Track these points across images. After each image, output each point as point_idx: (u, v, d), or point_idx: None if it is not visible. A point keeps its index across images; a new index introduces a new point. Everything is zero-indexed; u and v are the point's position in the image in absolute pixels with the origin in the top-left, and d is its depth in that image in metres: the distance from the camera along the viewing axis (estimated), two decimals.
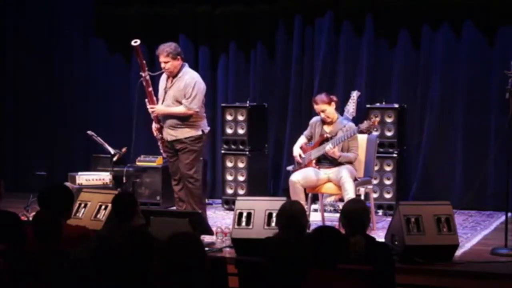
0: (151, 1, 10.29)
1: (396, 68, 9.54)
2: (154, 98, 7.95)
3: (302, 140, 8.12)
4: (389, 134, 8.97)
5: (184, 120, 7.85)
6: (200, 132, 7.90)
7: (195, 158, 7.88)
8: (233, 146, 9.44)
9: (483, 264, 6.50)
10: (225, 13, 10.04)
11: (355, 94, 8.41)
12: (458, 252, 6.76)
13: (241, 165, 9.39)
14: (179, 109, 7.83)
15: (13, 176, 10.51)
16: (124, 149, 8.69)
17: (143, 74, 7.89)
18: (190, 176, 7.84)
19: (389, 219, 7.79)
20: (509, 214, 6.94)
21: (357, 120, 8.14)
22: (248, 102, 9.51)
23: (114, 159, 8.63)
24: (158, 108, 7.91)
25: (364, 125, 7.78)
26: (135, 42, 7.81)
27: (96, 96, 10.66)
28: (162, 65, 7.83)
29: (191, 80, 7.84)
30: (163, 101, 7.93)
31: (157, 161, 9.42)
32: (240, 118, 9.40)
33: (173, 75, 7.85)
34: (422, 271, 6.31)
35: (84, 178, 8.71)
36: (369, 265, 4.69)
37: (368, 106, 9.05)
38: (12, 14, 10.78)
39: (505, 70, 6.96)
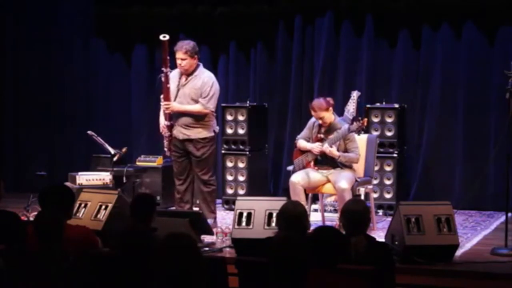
0: (151, 1, 10.29)
1: (396, 68, 9.54)
2: (171, 95, 7.84)
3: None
4: (389, 134, 8.97)
5: (199, 119, 7.79)
6: (212, 133, 7.91)
7: (210, 163, 7.95)
8: (233, 146, 9.44)
9: (483, 264, 6.50)
10: (225, 13, 10.03)
11: (355, 94, 8.40)
12: (458, 252, 6.75)
13: (241, 165, 9.39)
14: (196, 108, 7.77)
15: (13, 176, 10.51)
16: (124, 149, 8.69)
17: (164, 70, 7.72)
18: (206, 181, 7.88)
19: (389, 219, 7.78)
20: (509, 214, 6.93)
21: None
22: (248, 102, 9.50)
23: (114, 159, 8.62)
24: (174, 105, 7.81)
25: (354, 126, 7.76)
26: (164, 37, 7.67)
27: (96, 96, 10.66)
28: (179, 61, 7.73)
29: (209, 79, 7.78)
30: (175, 98, 7.83)
31: (157, 161, 9.41)
32: (240, 118, 9.39)
33: (188, 73, 7.78)
34: (422, 271, 6.30)
35: (84, 178, 8.69)
36: (370, 265, 4.69)
37: (368, 106, 9.05)
38: (12, 14, 10.77)
39: (505, 70, 6.96)
